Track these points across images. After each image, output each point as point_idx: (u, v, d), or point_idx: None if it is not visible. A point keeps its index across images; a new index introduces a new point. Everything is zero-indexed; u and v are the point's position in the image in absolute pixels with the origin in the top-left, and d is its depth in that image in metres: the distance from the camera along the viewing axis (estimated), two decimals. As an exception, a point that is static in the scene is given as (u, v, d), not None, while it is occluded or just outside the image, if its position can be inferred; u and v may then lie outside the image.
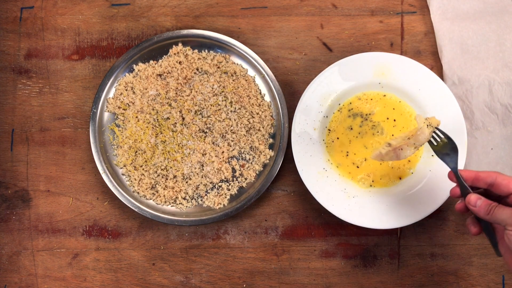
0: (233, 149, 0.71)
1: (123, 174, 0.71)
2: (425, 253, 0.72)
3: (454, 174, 0.59)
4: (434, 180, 0.68)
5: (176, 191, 0.70)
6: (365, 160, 0.69)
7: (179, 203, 0.70)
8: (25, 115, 0.73)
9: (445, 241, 0.72)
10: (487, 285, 0.71)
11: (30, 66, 0.74)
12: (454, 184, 0.59)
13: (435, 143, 0.61)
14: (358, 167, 0.69)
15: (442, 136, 0.61)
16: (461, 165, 0.67)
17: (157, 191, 0.70)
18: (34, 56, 0.74)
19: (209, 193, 0.71)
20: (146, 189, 0.70)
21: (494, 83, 0.70)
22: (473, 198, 0.55)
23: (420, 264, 0.72)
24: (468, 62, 0.71)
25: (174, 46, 0.72)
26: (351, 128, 0.70)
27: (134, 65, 0.72)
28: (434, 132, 0.61)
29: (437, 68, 0.73)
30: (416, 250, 0.72)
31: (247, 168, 0.71)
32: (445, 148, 0.60)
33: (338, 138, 0.70)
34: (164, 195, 0.70)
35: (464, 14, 0.72)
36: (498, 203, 0.54)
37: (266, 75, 0.71)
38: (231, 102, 0.71)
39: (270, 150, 0.71)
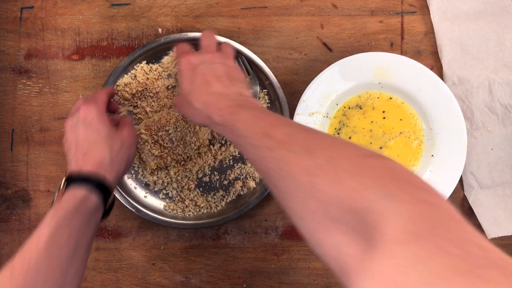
0: (230, 159, 0.71)
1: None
2: (425, 253, 0.72)
3: None
4: (434, 180, 0.68)
5: (186, 200, 0.71)
6: None
7: (188, 211, 0.71)
8: (25, 115, 0.73)
9: (445, 241, 0.72)
10: (487, 285, 0.71)
11: (30, 66, 0.74)
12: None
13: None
14: None
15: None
16: (461, 165, 0.67)
17: (168, 201, 0.71)
18: (34, 56, 0.74)
19: (209, 198, 0.71)
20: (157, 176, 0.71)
21: (494, 83, 0.70)
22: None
23: (420, 264, 0.72)
24: (468, 62, 0.71)
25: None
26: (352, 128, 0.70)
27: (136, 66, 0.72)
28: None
29: (437, 68, 0.73)
30: (416, 250, 0.72)
31: (248, 180, 0.71)
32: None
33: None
34: (175, 207, 0.71)
35: (464, 14, 0.72)
36: None
37: (266, 75, 0.71)
38: None
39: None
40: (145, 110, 0.71)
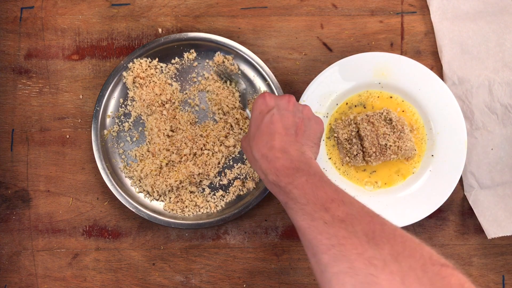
0: (230, 159, 0.71)
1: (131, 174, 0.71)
2: (425, 253, 0.72)
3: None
4: (434, 180, 0.68)
5: (184, 200, 0.71)
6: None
7: (188, 211, 0.71)
8: (25, 115, 0.73)
9: (445, 241, 0.72)
10: (487, 285, 0.71)
11: (30, 66, 0.74)
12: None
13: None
14: (364, 170, 0.70)
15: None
16: (461, 165, 0.67)
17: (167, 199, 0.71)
18: (34, 56, 0.74)
19: (209, 198, 0.71)
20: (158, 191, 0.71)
21: (494, 83, 0.70)
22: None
23: (420, 264, 0.72)
24: (468, 62, 0.71)
25: (186, 53, 0.72)
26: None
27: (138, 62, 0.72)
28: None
29: (437, 68, 0.73)
30: (416, 250, 0.72)
31: (247, 181, 0.71)
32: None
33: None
34: (174, 207, 0.71)
35: (464, 14, 0.72)
36: None
37: (266, 75, 0.71)
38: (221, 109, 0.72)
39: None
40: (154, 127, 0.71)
